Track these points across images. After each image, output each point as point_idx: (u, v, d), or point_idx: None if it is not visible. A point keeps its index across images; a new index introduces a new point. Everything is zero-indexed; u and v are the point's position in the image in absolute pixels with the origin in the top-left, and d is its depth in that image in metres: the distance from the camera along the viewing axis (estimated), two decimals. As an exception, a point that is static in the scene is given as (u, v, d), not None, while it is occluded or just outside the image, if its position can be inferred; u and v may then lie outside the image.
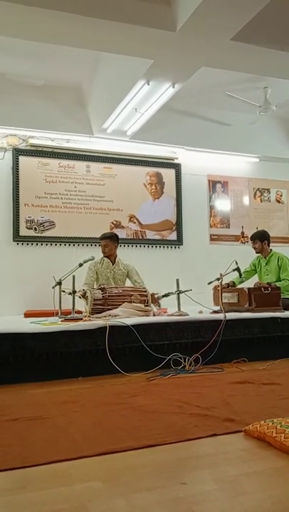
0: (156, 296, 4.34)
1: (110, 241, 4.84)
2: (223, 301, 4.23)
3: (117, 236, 4.98)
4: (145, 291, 4.33)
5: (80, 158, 5.90)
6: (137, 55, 4.11)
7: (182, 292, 4.15)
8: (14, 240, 5.50)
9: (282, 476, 1.55)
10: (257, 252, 5.03)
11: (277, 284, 4.56)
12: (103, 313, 3.91)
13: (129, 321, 3.59)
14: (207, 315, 3.98)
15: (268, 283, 4.55)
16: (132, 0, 3.53)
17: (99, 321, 3.59)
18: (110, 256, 4.86)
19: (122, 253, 5.21)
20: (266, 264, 4.95)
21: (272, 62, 4.24)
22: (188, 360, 3.52)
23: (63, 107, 5.60)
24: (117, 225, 6.02)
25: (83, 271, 4.61)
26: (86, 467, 1.67)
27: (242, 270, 4.59)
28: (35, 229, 5.61)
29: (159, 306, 4.40)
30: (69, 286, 4.11)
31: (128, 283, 4.91)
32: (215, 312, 4.10)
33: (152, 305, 4.29)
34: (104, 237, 4.88)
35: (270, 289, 4.33)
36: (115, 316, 3.82)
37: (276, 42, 3.97)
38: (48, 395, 2.81)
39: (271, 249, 4.99)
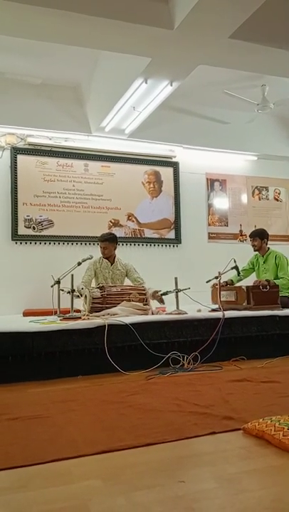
0: (159, 293, 4.32)
1: (109, 243, 4.82)
2: (222, 299, 4.23)
3: (115, 237, 4.94)
4: (144, 290, 4.33)
5: (78, 157, 5.90)
6: (134, 53, 4.11)
7: (180, 291, 4.15)
8: (13, 239, 5.50)
9: (281, 473, 1.55)
10: (255, 250, 5.04)
11: (276, 281, 4.57)
12: (102, 312, 3.91)
13: (128, 319, 3.59)
14: (206, 313, 3.99)
15: (266, 280, 4.56)
16: (130, -2, 3.53)
17: (98, 319, 3.58)
18: (109, 257, 4.86)
19: (121, 252, 5.21)
20: (264, 262, 4.97)
21: (270, 60, 4.25)
22: (187, 358, 3.52)
23: (61, 105, 5.60)
24: (116, 223, 6.02)
25: (82, 270, 4.62)
26: (86, 466, 1.68)
27: (240, 268, 4.60)
28: (34, 228, 5.61)
29: (163, 302, 4.39)
30: (68, 285, 4.11)
31: (126, 282, 4.91)
32: (213, 310, 4.11)
33: (155, 301, 4.29)
34: (103, 239, 4.84)
35: (268, 286, 4.34)
36: (114, 314, 3.82)
37: (274, 40, 3.97)
38: (47, 394, 2.81)
39: (269, 248, 5.01)
